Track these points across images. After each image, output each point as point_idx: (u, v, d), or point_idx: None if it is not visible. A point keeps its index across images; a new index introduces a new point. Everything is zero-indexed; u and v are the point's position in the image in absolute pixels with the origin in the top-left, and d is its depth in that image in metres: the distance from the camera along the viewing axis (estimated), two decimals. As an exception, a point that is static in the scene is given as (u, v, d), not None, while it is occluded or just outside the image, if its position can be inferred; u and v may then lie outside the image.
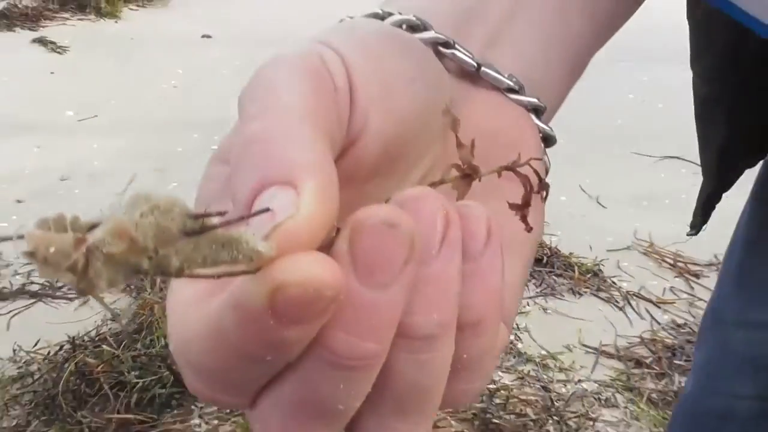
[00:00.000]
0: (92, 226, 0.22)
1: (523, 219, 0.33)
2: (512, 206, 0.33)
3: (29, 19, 4.00)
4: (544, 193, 0.35)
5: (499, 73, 0.37)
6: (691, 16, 0.74)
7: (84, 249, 0.21)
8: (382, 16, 0.36)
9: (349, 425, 0.28)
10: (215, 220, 0.23)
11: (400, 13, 0.36)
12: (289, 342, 0.24)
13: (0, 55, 3.66)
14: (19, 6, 4.08)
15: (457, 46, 0.36)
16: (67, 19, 4.07)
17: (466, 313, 0.28)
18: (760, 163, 0.81)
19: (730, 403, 0.83)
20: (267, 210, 0.24)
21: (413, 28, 0.36)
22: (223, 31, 3.98)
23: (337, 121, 0.29)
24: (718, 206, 0.88)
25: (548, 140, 0.39)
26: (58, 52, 3.73)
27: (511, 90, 0.38)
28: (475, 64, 0.37)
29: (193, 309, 0.27)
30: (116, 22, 4.11)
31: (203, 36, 3.88)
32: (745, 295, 0.82)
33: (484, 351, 0.29)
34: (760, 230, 0.81)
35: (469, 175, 0.31)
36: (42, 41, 3.80)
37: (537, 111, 0.38)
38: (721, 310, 0.85)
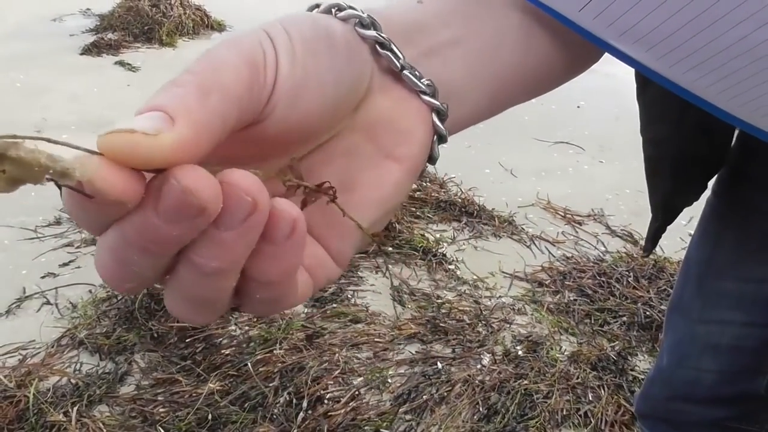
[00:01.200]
0: None
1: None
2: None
3: (112, 47, 3.94)
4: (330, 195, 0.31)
5: (417, 78, 0.32)
6: (641, 95, 0.70)
7: None
8: (340, 8, 0.31)
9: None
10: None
11: (360, 11, 0.31)
12: (94, 213, 0.23)
13: (92, 73, 3.60)
14: (105, 39, 4.01)
15: (392, 47, 0.32)
16: (139, 47, 4.00)
17: (259, 275, 0.26)
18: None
19: (697, 375, 0.83)
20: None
21: (363, 25, 0.31)
22: (249, 55, 3.94)
23: (256, 102, 0.26)
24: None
25: (441, 138, 0.34)
26: (133, 71, 3.67)
27: (424, 92, 0.33)
28: (399, 67, 0.32)
29: None
30: (173, 49, 4.03)
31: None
32: (705, 300, 0.80)
33: (276, 297, 0.28)
34: (713, 250, 0.79)
35: (298, 186, 0.28)
36: (121, 63, 3.75)
37: (439, 113, 0.33)
38: (688, 308, 0.83)
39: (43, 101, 3.19)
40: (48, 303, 1.83)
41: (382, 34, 0.31)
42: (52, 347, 1.66)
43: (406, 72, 0.32)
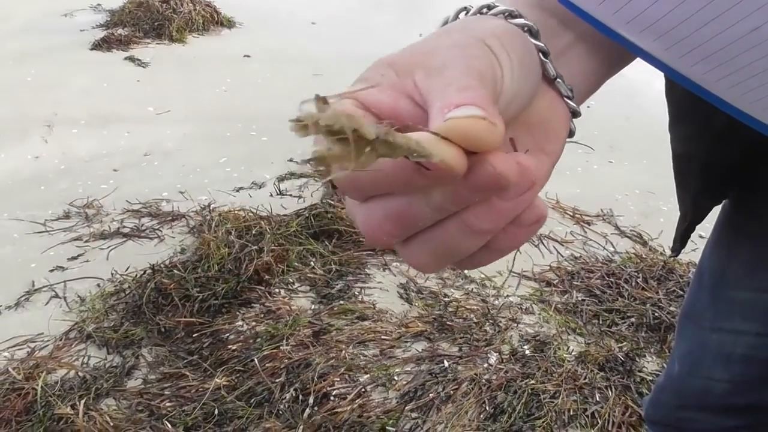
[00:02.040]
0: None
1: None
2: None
3: (122, 43, 3.96)
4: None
5: (565, 85, 0.38)
6: (669, 92, 0.70)
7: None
8: (515, 15, 0.36)
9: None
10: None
11: (529, 20, 0.36)
12: (416, 186, 0.28)
13: (101, 68, 3.62)
14: (115, 34, 4.03)
15: (549, 58, 0.37)
16: (149, 43, 4.01)
17: (491, 243, 0.32)
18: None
19: (709, 384, 0.82)
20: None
21: (532, 33, 0.36)
22: (258, 52, 3.93)
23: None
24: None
25: (571, 133, 0.40)
26: (142, 67, 3.69)
27: (568, 97, 0.38)
28: (554, 75, 0.37)
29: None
30: (183, 45, 4.04)
31: (244, 56, 3.82)
32: (718, 309, 0.80)
33: (488, 261, 0.34)
34: (728, 259, 0.78)
35: None
36: (131, 59, 3.76)
37: (574, 114, 0.39)
38: (700, 316, 0.82)
39: (54, 96, 3.20)
40: (56, 296, 1.84)
41: (545, 44, 0.36)
42: (60, 340, 1.67)
43: (558, 80, 0.37)
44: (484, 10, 0.36)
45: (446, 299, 1.88)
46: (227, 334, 1.70)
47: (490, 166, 0.27)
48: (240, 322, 1.73)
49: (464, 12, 0.37)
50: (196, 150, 2.76)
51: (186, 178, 2.52)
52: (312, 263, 1.97)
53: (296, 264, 1.95)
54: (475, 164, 0.27)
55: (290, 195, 2.40)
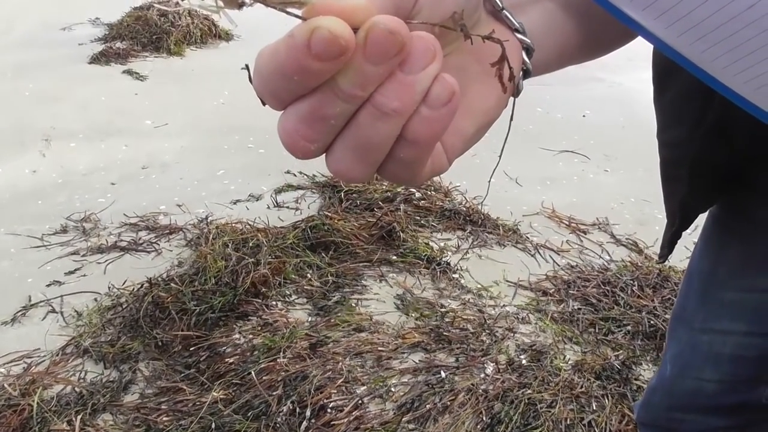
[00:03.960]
0: None
1: (500, 78, 0.36)
2: (492, 64, 0.36)
3: (120, 56, 3.96)
4: (509, 74, 0.37)
5: (513, 17, 0.39)
6: (658, 99, 0.70)
7: None
8: None
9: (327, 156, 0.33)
10: None
11: None
12: (312, 71, 0.28)
13: (100, 82, 3.62)
14: (114, 48, 4.03)
15: None
16: (147, 56, 4.02)
17: (407, 132, 0.31)
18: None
19: (699, 384, 0.82)
20: None
21: None
22: (256, 64, 3.95)
23: (407, 3, 0.31)
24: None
25: (526, 73, 0.41)
26: (140, 80, 3.69)
27: (517, 30, 0.39)
28: (501, 6, 0.39)
29: (268, 47, 0.30)
30: (181, 58, 4.05)
31: (242, 68, 3.80)
32: (708, 310, 0.80)
33: (413, 159, 0.33)
34: (717, 260, 0.79)
35: (459, 27, 0.33)
36: (129, 72, 3.76)
37: (528, 50, 0.40)
38: (691, 318, 0.83)
39: (52, 109, 3.20)
40: (53, 311, 1.83)
41: None
42: (57, 355, 1.66)
43: (505, 12, 0.39)
44: None
45: (443, 310, 1.87)
46: (224, 347, 1.69)
47: (380, 24, 0.27)
48: (237, 335, 1.73)
49: None
50: (193, 163, 2.76)
51: (183, 191, 2.51)
52: (309, 275, 1.96)
53: (293, 276, 1.95)
54: (368, 32, 0.28)
55: (287, 207, 2.40)
